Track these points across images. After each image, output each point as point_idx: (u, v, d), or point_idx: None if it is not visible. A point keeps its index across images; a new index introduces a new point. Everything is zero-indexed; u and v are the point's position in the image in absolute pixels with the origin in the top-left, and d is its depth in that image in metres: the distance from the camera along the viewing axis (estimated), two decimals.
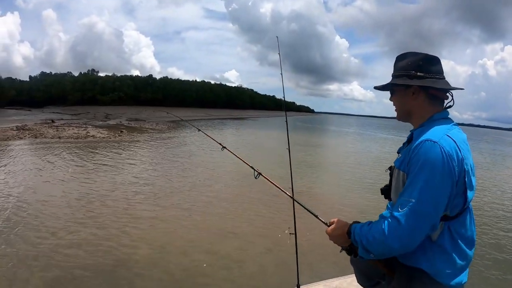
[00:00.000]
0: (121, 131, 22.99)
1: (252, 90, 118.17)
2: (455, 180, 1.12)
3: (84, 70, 75.33)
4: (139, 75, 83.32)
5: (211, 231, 5.51)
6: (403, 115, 1.37)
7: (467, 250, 1.24)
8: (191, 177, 9.61)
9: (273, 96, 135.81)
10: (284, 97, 2.46)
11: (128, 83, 70.72)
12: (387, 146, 24.89)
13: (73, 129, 22.34)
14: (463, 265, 1.23)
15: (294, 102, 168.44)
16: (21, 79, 67.02)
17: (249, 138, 25.06)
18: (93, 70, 75.89)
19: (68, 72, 73.69)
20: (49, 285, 3.68)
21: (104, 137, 19.13)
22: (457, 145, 1.14)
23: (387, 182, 1.43)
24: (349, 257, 1.52)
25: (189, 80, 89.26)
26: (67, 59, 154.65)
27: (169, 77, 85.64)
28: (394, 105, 1.40)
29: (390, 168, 1.41)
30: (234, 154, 2.22)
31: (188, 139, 21.06)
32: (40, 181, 8.23)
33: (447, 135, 1.16)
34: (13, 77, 66.24)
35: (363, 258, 1.29)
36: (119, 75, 76.59)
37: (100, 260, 4.29)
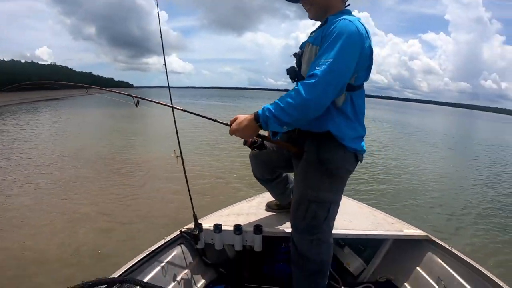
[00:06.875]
0: None
1: (67, 67, 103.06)
2: (362, 53, 1.21)
3: None
4: None
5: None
6: (320, 12, 1.37)
7: (363, 122, 1.38)
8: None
9: (90, 72, 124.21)
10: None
11: None
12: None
13: None
14: (362, 135, 1.38)
15: (112, 78, 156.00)
16: None
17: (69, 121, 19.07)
18: None
19: None
20: None
21: None
22: (366, 30, 1.24)
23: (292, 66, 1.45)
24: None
25: None
26: None
27: None
28: (305, 5, 1.40)
29: (295, 55, 1.43)
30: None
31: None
32: None
33: (359, 21, 1.24)
34: None
35: (274, 137, 1.33)
36: None
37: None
